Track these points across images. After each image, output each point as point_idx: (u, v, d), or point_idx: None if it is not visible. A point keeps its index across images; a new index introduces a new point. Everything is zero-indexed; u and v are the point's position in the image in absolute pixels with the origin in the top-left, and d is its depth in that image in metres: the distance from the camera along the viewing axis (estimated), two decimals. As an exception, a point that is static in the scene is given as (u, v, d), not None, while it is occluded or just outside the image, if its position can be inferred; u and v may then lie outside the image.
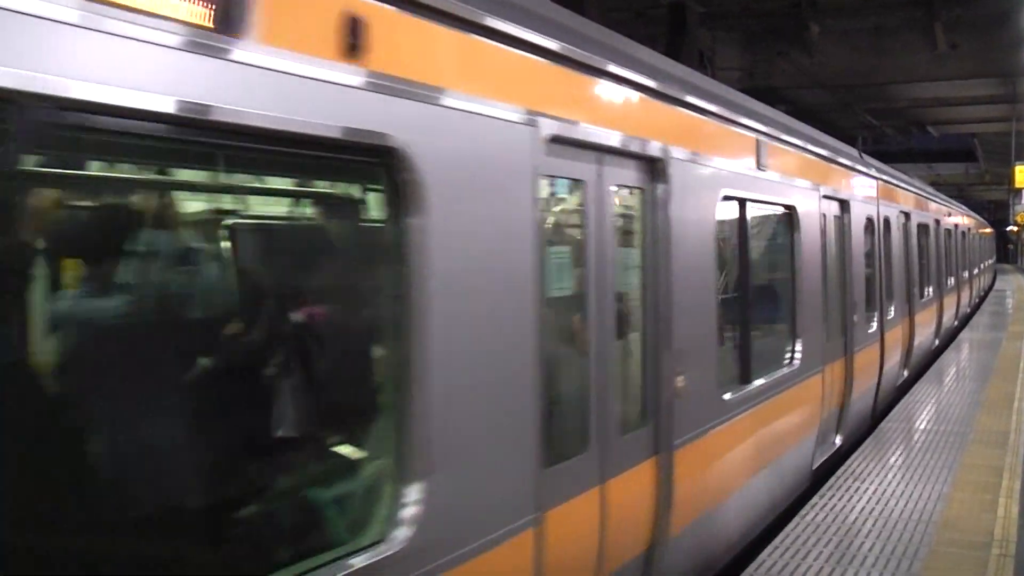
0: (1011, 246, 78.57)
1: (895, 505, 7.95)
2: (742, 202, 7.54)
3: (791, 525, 7.47)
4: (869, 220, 12.21)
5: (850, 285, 10.93)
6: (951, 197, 32.30)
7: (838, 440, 10.37)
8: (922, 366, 16.54)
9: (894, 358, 13.57)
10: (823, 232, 9.85)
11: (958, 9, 18.77)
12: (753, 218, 8.12)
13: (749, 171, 7.51)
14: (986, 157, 46.32)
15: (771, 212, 8.80)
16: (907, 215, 15.74)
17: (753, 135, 7.66)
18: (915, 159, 40.30)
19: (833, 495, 8.27)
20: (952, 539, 7.06)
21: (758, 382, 7.63)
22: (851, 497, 8.21)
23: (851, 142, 20.87)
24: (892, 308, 13.47)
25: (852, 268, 11.01)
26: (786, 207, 8.72)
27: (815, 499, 8.17)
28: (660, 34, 16.38)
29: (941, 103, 28.69)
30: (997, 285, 45.51)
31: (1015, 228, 65.51)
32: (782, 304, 9.00)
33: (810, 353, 8.96)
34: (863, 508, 7.88)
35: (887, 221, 13.53)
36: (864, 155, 13.45)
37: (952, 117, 33.18)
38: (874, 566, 6.48)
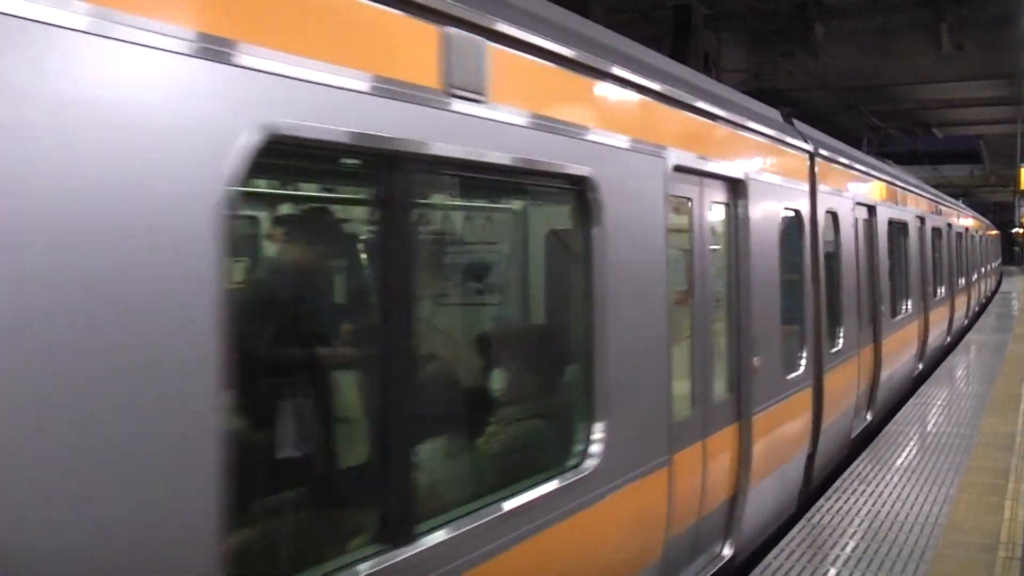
0: (1016, 248, 78.44)
1: (900, 508, 7.93)
2: (388, 159, 3.55)
3: (796, 528, 7.44)
4: (793, 214, 8.51)
5: (745, 313, 7.13)
6: (956, 199, 32.20)
7: (728, 550, 6.87)
8: (899, 399, 13.87)
9: (842, 405, 10.01)
10: (691, 227, 6.38)
11: (963, 10, 18.78)
12: (442, 192, 4.49)
13: (408, 93, 3.59)
14: (991, 159, 46.36)
15: (512, 184, 4.80)
16: (871, 209, 12.24)
17: (430, 22, 3.75)
18: (920, 160, 40.29)
19: (839, 498, 8.25)
20: (958, 541, 7.04)
21: (450, 528, 3.77)
22: (856, 499, 8.18)
23: (856, 143, 20.83)
24: (840, 338, 10.01)
25: (751, 287, 7.21)
26: (567, 180, 4.79)
27: (821, 502, 8.15)
28: (665, 36, 16.39)
29: (946, 104, 28.70)
30: (1003, 288, 45.47)
31: (1021, 230, 65.45)
32: (548, 362, 5.45)
33: (633, 440, 5.22)
34: (868, 511, 7.85)
35: (834, 216, 10.02)
36: (796, 121, 9.75)
37: (957, 119, 33.20)
38: (880, 568, 6.46)
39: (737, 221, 7.13)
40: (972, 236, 28.51)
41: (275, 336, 3.80)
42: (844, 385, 10.11)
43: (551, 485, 4.49)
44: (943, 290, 19.25)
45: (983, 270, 32.36)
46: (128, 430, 2.56)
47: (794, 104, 23.20)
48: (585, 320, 4.96)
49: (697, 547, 6.40)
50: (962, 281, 23.32)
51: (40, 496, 2.36)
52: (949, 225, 21.64)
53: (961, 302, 22.62)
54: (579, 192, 4.87)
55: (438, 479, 4.27)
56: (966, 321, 24.08)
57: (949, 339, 20.07)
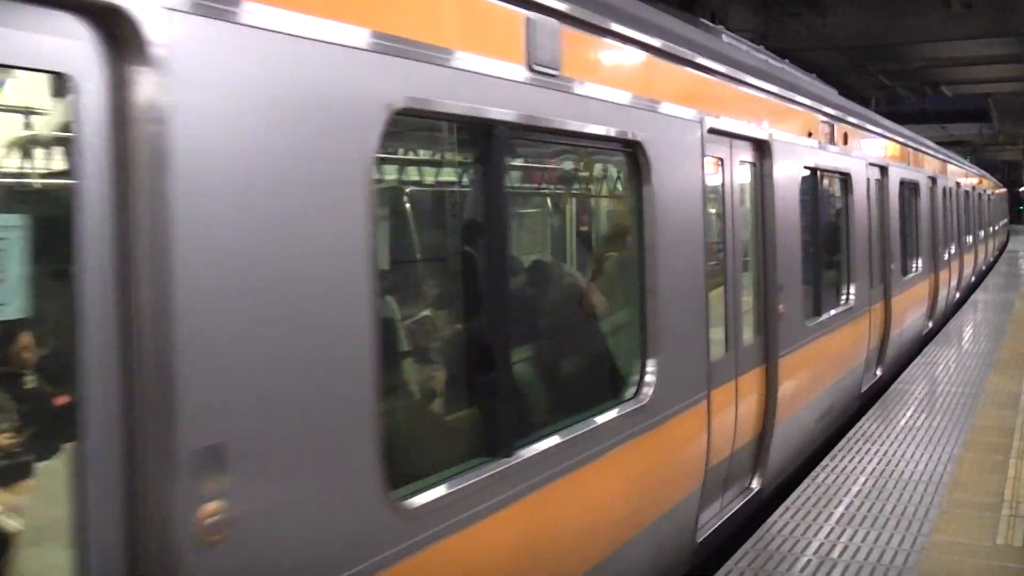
0: (1021, 207, 78.07)
1: (905, 466, 8.00)
2: None
3: (801, 487, 7.53)
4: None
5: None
6: (963, 157, 31.91)
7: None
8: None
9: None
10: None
11: (973, -32, 18.64)
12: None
13: None
14: (1000, 117, 46.04)
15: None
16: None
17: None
18: (929, 119, 40.10)
19: (843, 457, 8.33)
20: (962, 500, 7.12)
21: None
22: (861, 458, 8.27)
23: (864, 103, 20.73)
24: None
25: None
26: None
27: (826, 460, 8.23)
28: (671, -5, 16.26)
29: (955, 63, 28.46)
30: (1010, 247, 45.44)
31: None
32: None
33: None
34: (873, 469, 7.93)
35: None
36: None
37: (966, 77, 32.93)
38: (884, 527, 6.54)
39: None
40: (949, 190, 20.67)
41: None
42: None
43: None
44: (860, 291, 11.57)
45: (973, 238, 26.06)
46: None
47: (802, 64, 23.07)
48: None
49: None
50: (917, 264, 15.88)
51: None
52: (881, 168, 13.03)
53: (918, 294, 15.60)
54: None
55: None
56: (931, 324, 16.83)
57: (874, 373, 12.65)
